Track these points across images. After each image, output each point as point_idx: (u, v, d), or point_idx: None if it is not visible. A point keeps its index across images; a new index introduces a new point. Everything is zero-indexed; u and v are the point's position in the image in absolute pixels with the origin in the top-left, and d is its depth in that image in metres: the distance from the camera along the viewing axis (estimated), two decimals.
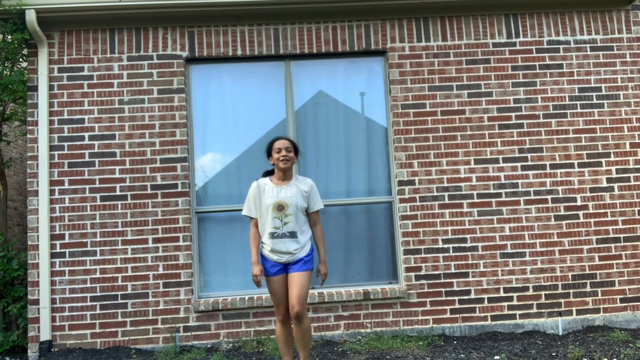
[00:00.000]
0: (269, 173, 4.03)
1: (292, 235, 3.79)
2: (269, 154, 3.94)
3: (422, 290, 5.28)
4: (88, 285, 5.15)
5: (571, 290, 5.33)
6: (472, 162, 5.43)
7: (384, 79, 5.62)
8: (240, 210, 5.36)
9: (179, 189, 5.29)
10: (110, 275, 5.17)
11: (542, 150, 5.46)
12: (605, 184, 5.46)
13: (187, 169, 5.33)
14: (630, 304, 5.35)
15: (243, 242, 5.44)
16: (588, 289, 5.34)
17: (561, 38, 5.61)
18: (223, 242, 5.46)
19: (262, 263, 3.87)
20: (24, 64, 6.41)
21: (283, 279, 3.83)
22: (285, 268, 3.83)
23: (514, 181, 5.42)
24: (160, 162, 5.32)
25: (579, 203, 5.43)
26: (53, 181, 5.24)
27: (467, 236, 5.34)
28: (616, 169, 5.48)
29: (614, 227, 5.41)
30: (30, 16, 5.08)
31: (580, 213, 5.41)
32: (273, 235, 3.79)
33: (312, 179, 4.32)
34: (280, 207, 3.79)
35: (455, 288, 5.29)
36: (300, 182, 3.91)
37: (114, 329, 5.12)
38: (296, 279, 3.75)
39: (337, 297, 5.18)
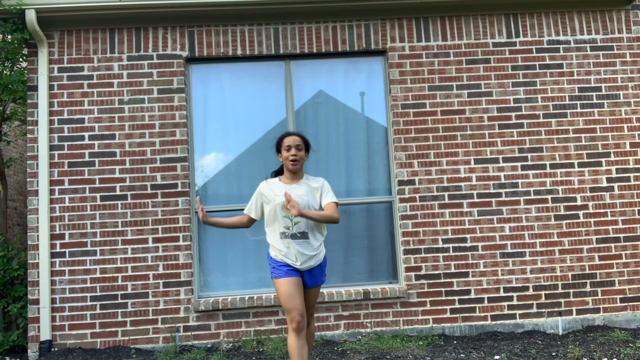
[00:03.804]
0: (277, 173, 3.80)
1: (303, 235, 3.53)
2: (278, 149, 3.68)
3: (422, 290, 5.28)
4: (88, 285, 5.15)
5: (571, 290, 5.33)
6: (472, 162, 5.43)
7: (384, 79, 5.62)
8: (241, 210, 5.38)
9: (179, 189, 5.29)
10: (110, 275, 5.17)
11: (542, 150, 5.46)
12: (605, 184, 5.46)
13: (187, 169, 5.33)
14: (630, 303, 5.35)
15: (243, 242, 5.45)
16: (588, 288, 5.34)
17: (561, 38, 5.61)
18: (223, 242, 5.46)
19: (271, 263, 3.60)
20: (24, 64, 6.41)
21: (298, 281, 3.50)
22: (299, 270, 3.55)
23: (514, 181, 5.42)
24: (160, 161, 5.32)
25: (579, 203, 5.43)
26: (53, 181, 5.24)
27: (467, 236, 5.34)
28: (616, 169, 5.48)
29: (614, 227, 5.41)
30: (30, 16, 5.08)
31: (580, 213, 5.41)
32: (284, 235, 3.54)
33: None
34: None
35: (455, 288, 5.29)
36: (312, 181, 3.67)
37: (114, 329, 5.12)
38: (312, 294, 3.65)
39: (337, 296, 5.18)
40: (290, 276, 3.48)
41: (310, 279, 3.57)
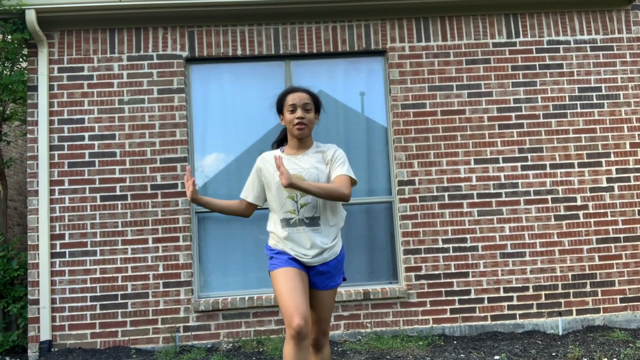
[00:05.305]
0: (280, 143, 3.01)
1: (313, 222, 2.72)
2: (279, 110, 2.90)
3: (422, 290, 5.28)
4: (88, 285, 5.15)
5: (571, 290, 5.33)
6: (472, 162, 5.43)
7: (384, 79, 5.62)
8: None
9: (179, 189, 5.29)
10: (110, 275, 5.17)
11: (542, 150, 5.46)
12: (605, 184, 5.46)
13: None
14: (630, 304, 5.35)
15: (243, 242, 5.45)
16: (588, 289, 5.34)
17: (561, 38, 5.61)
18: (223, 242, 5.46)
19: (268, 253, 2.85)
20: (24, 64, 6.41)
21: (301, 275, 2.70)
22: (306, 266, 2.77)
23: (514, 181, 5.42)
24: (160, 162, 5.32)
25: (579, 203, 5.43)
26: (53, 181, 5.24)
27: (467, 236, 5.34)
28: (616, 169, 5.48)
29: (614, 227, 5.41)
30: (30, 16, 5.07)
31: (580, 213, 5.41)
32: (289, 223, 2.74)
33: None
34: None
35: (455, 288, 5.29)
36: (323, 149, 2.85)
37: (114, 329, 5.12)
38: (325, 300, 2.78)
39: (337, 297, 5.18)
40: (291, 266, 2.69)
41: (321, 279, 2.76)
